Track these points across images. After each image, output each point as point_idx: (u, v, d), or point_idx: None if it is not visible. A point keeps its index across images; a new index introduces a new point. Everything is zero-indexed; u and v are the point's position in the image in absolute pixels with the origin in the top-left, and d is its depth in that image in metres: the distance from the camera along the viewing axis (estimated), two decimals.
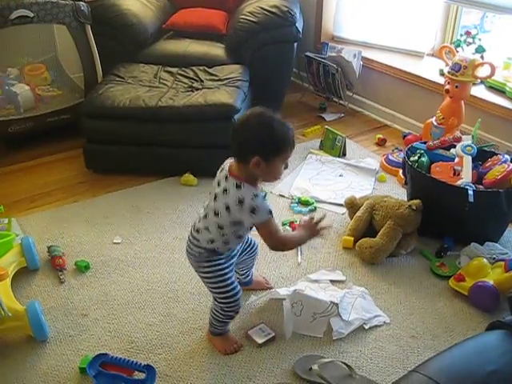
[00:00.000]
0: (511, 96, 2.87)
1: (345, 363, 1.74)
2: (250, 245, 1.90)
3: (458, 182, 2.29)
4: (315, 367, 1.71)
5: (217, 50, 3.30)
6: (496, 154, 2.46)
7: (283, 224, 2.49)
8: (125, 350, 1.86)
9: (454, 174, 2.38)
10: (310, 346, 1.89)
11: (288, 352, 1.86)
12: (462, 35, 3.22)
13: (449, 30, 3.36)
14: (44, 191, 2.79)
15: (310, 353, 1.85)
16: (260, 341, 1.88)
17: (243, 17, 3.23)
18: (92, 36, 3.08)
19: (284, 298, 1.97)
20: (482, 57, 2.98)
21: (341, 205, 2.60)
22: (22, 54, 3.37)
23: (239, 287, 1.78)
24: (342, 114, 3.64)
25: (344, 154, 3.11)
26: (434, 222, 2.32)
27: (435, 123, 2.91)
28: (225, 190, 1.61)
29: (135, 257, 2.31)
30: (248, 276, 2.06)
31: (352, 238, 2.36)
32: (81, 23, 3.03)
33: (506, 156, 2.41)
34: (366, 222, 2.38)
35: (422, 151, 2.55)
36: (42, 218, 2.55)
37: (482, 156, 2.46)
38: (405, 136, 3.25)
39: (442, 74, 3.13)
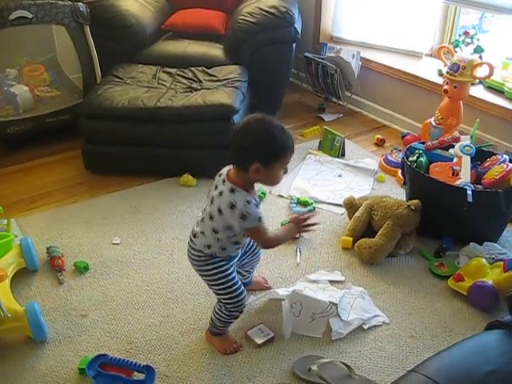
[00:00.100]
0: (510, 96, 2.87)
1: (344, 363, 1.74)
2: (251, 248, 1.90)
3: (457, 182, 2.29)
4: (314, 367, 1.71)
5: (215, 50, 3.30)
6: (495, 154, 2.47)
7: (282, 224, 2.48)
8: (124, 351, 1.86)
9: (453, 174, 2.39)
10: (309, 346, 1.89)
11: (287, 352, 1.86)
12: (460, 35, 3.22)
13: (447, 31, 3.36)
14: (43, 192, 2.79)
15: (309, 353, 1.85)
16: (259, 341, 1.88)
17: (242, 17, 3.23)
18: (91, 37, 3.07)
19: (283, 299, 1.97)
20: (480, 57, 2.98)
21: (340, 205, 2.60)
22: (21, 55, 3.37)
23: (243, 286, 1.78)
24: (341, 115, 3.64)
25: (343, 155, 3.12)
26: (432, 222, 2.32)
27: (434, 123, 2.91)
28: (220, 193, 1.63)
29: (134, 257, 2.31)
30: (248, 277, 2.06)
31: (351, 239, 2.36)
32: (79, 24, 3.02)
33: (505, 156, 2.41)
34: (365, 223, 2.38)
35: (421, 151, 2.56)
36: (41, 218, 2.55)
37: (480, 156, 2.46)
38: (403, 136, 3.26)
39: (440, 74, 3.13)
